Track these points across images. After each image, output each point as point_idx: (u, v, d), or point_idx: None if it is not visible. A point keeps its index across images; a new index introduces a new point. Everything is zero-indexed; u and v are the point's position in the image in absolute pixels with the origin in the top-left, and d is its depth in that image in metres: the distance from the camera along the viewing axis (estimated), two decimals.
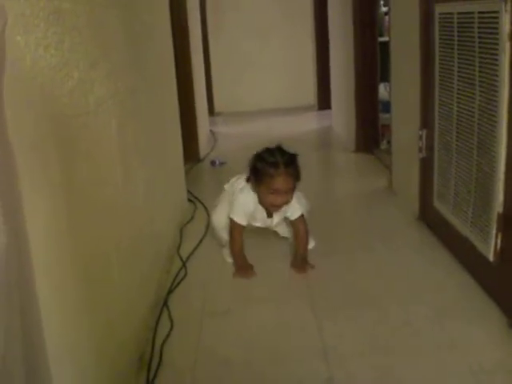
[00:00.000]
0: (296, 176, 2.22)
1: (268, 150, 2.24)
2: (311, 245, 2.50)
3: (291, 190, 2.23)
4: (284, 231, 2.60)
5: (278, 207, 2.28)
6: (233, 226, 2.33)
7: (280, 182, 2.17)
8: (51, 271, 1.09)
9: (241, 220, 2.31)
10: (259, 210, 2.34)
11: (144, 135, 2.15)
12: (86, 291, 1.31)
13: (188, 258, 2.52)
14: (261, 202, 2.30)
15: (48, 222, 1.10)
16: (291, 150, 2.25)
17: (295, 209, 2.35)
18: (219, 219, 2.49)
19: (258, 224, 2.41)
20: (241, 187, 2.34)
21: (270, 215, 2.39)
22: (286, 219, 2.44)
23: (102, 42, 1.62)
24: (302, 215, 2.37)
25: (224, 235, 2.50)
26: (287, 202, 2.26)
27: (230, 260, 2.44)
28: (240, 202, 2.30)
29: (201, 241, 2.71)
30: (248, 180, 2.32)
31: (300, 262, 2.37)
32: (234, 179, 2.48)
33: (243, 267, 2.35)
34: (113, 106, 1.66)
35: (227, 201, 2.42)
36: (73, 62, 1.32)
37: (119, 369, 1.56)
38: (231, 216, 2.32)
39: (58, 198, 1.16)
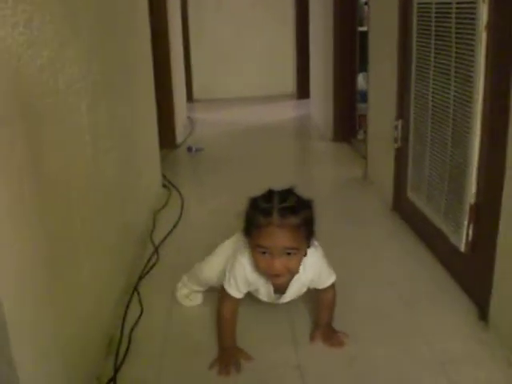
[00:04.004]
0: (302, 231, 1.54)
1: (268, 192, 1.59)
2: None
3: (295, 252, 1.53)
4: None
5: (276, 277, 1.58)
6: (224, 297, 1.70)
7: (268, 236, 1.50)
8: (15, 255, 1.07)
9: (235, 292, 1.68)
10: (262, 281, 1.69)
11: (117, 118, 2.11)
12: (54, 275, 1.29)
13: (160, 243, 2.50)
14: (256, 267, 1.62)
15: (13, 204, 1.07)
16: (304, 196, 1.62)
17: (326, 276, 1.72)
18: (209, 276, 1.89)
19: (262, 298, 1.78)
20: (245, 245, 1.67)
21: (278, 290, 1.72)
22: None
23: (74, 21, 1.58)
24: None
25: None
26: (290, 271, 1.57)
27: (184, 303, 1.98)
28: (236, 267, 1.66)
29: (174, 227, 2.69)
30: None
31: (328, 330, 1.76)
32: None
33: (228, 354, 1.66)
34: (84, 87, 1.63)
35: (225, 257, 1.80)
36: (42, 40, 1.28)
37: (87, 354, 1.54)
38: (224, 285, 1.68)
39: (24, 178, 1.14)
